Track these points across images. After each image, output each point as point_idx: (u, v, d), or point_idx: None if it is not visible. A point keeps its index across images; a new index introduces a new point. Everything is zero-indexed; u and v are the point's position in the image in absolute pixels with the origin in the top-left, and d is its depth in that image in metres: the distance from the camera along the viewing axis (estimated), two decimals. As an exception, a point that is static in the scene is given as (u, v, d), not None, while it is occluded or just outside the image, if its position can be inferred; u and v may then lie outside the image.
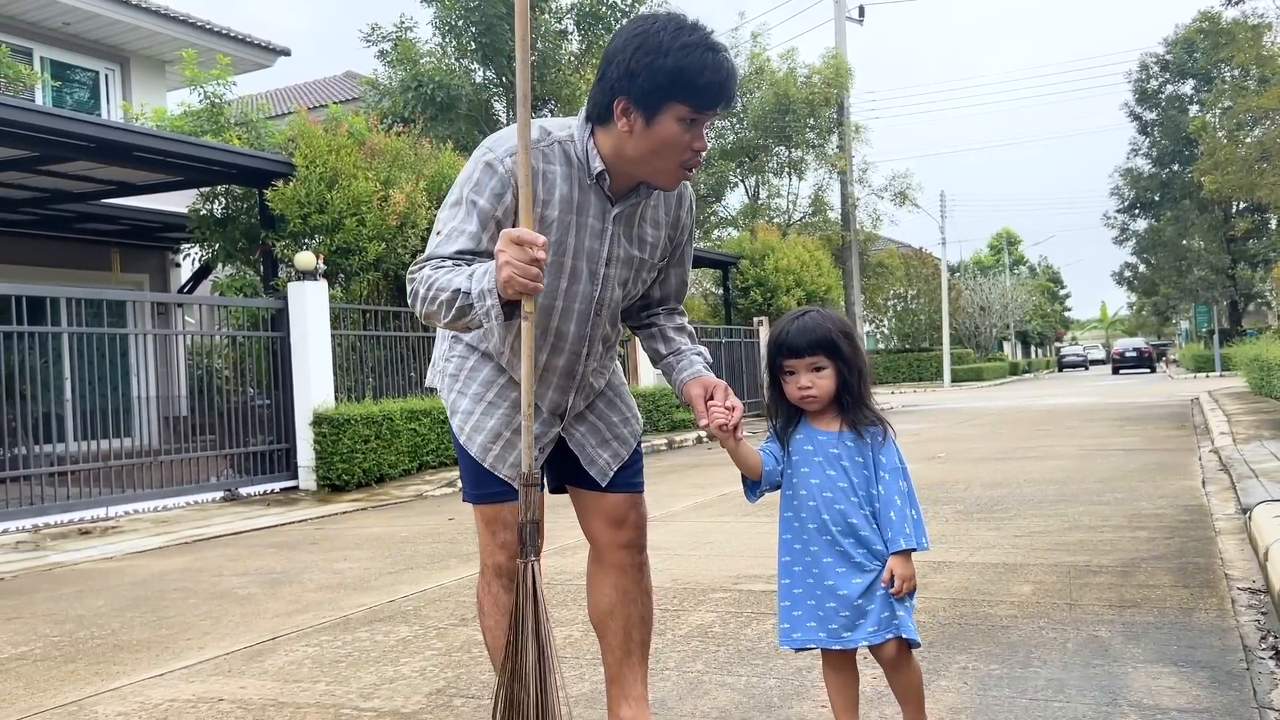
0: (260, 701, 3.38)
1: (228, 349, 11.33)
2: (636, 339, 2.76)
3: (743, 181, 28.14)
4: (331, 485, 10.64)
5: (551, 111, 19.30)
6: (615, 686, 2.65)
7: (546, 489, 2.52)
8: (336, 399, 11.33)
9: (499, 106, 19.46)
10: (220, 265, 13.86)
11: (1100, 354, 73.36)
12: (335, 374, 11.51)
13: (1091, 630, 3.71)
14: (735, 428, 2.34)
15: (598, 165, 2.30)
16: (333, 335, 11.50)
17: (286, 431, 11.00)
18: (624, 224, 2.41)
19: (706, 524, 6.75)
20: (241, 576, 5.91)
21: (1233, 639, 3.52)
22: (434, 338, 13.22)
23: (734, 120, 26.84)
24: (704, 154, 2.35)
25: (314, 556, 6.53)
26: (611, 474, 2.61)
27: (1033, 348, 74.87)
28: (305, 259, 11.15)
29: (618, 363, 2.74)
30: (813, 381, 2.36)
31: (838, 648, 2.35)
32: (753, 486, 2.49)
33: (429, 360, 13.07)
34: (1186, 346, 48.97)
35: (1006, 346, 61.21)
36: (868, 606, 2.32)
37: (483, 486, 2.48)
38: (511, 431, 2.46)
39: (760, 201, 28.07)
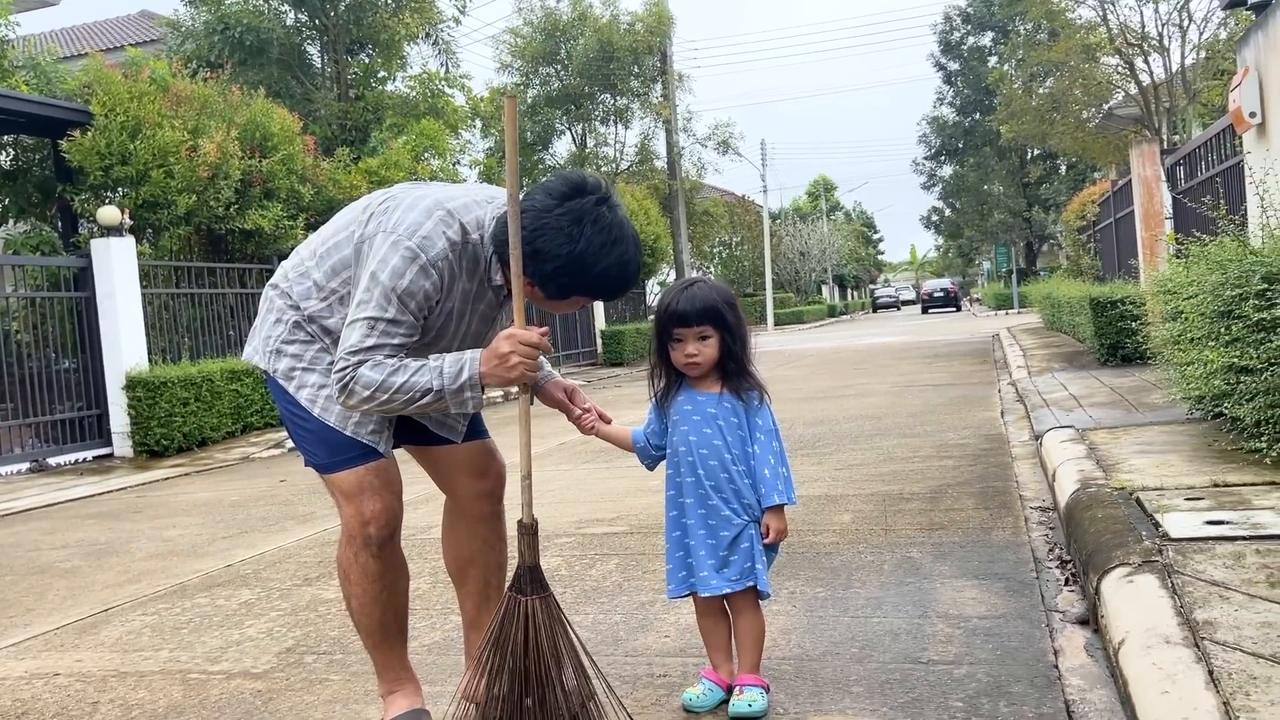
0: (100, 673, 3.30)
1: (25, 311, 10.59)
2: None
3: (569, 129, 28.05)
4: (150, 451, 10.19)
5: (369, 56, 18.66)
6: (475, 631, 2.74)
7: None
8: (151, 361, 10.81)
9: (313, 51, 18.66)
10: (11, 221, 12.89)
11: (911, 295, 77.25)
12: (148, 335, 10.96)
13: (905, 552, 4.04)
14: (593, 425, 2.64)
15: (498, 281, 2.44)
16: (143, 294, 10.93)
17: (97, 397, 10.44)
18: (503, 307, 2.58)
19: (547, 473, 6.88)
20: (62, 550, 5.65)
21: (1025, 553, 3.92)
22: (254, 295, 12.63)
23: (559, 67, 26.66)
24: None
25: (139, 525, 6.30)
26: (464, 429, 2.70)
27: (849, 290, 78.10)
28: (109, 214, 10.51)
29: None
30: (699, 349, 2.50)
31: (705, 594, 2.52)
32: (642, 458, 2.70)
33: (249, 318, 12.45)
34: (988, 286, 52.20)
35: (825, 290, 63.67)
36: (731, 557, 2.50)
37: (341, 453, 2.46)
38: None
39: (588, 150, 28.06)
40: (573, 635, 2.37)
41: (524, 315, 2.35)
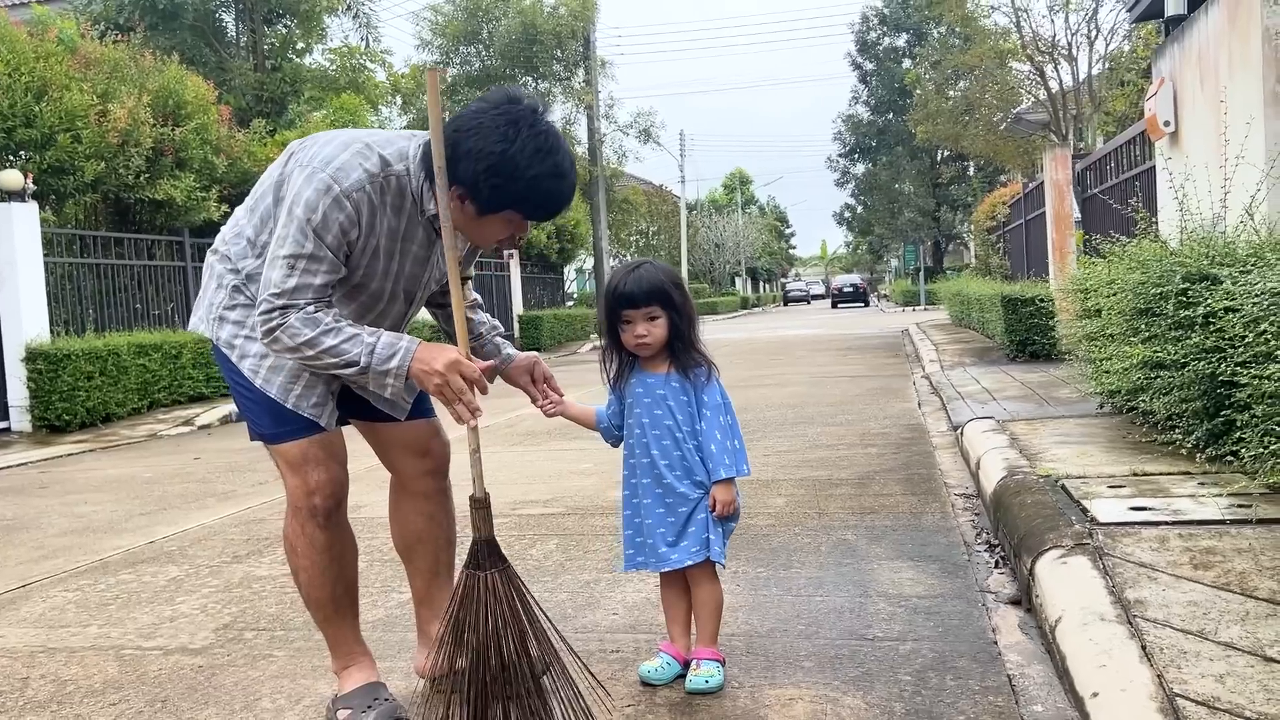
0: (27, 649, 3.18)
1: (-83, 277, 10.07)
2: None
3: (489, 111, 27.72)
4: (50, 426, 9.80)
5: (287, 26, 18.19)
6: (426, 608, 2.73)
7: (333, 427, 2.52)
8: (53, 332, 10.39)
9: (227, 18, 18.11)
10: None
11: (821, 289, 78.56)
12: (50, 305, 10.53)
13: (840, 535, 4.14)
14: (555, 409, 2.67)
15: (431, 209, 2.34)
16: (45, 263, 10.48)
17: (-6, 369, 9.98)
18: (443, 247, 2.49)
19: (473, 454, 6.83)
20: (-34, 525, 5.42)
21: (955, 537, 4.05)
22: (162, 267, 12.17)
23: (480, 47, 26.35)
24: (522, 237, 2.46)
25: (48, 501, 6.06)
26: (409, 406, 2.64)
27: (761, 283, 79.11)
28: (11, 178, 10.05)
29: None
30: (648, 330, 2.53)
31: (665, 569, 2.56)
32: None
33: (156, 289, 12.05)
34: (896, 282, 53.36)
35: (738, 282, 64.37)
36: (688, 530, 2.55)
37: (284, 424, 2.43)
38: (311, 373, 2.42)
39: (507, 133, 27.79)
40: (533, 604, 2.38)
41: (463, 331, 2.34)
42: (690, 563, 2.54)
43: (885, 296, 56.70)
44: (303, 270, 2.22)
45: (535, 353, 2.72)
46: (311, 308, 2.24)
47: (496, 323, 2.78)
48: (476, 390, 2.31)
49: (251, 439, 2.52)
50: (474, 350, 2.66)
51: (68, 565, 4.32)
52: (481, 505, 2.39)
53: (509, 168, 2.20)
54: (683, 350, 2.57)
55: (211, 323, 2.48)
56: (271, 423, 2.44)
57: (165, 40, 15.61)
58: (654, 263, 2.62)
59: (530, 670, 2.30)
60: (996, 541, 3.92)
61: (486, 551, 2.36)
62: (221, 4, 17.65)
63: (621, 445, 2.70)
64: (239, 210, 2.53)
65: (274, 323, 2.24)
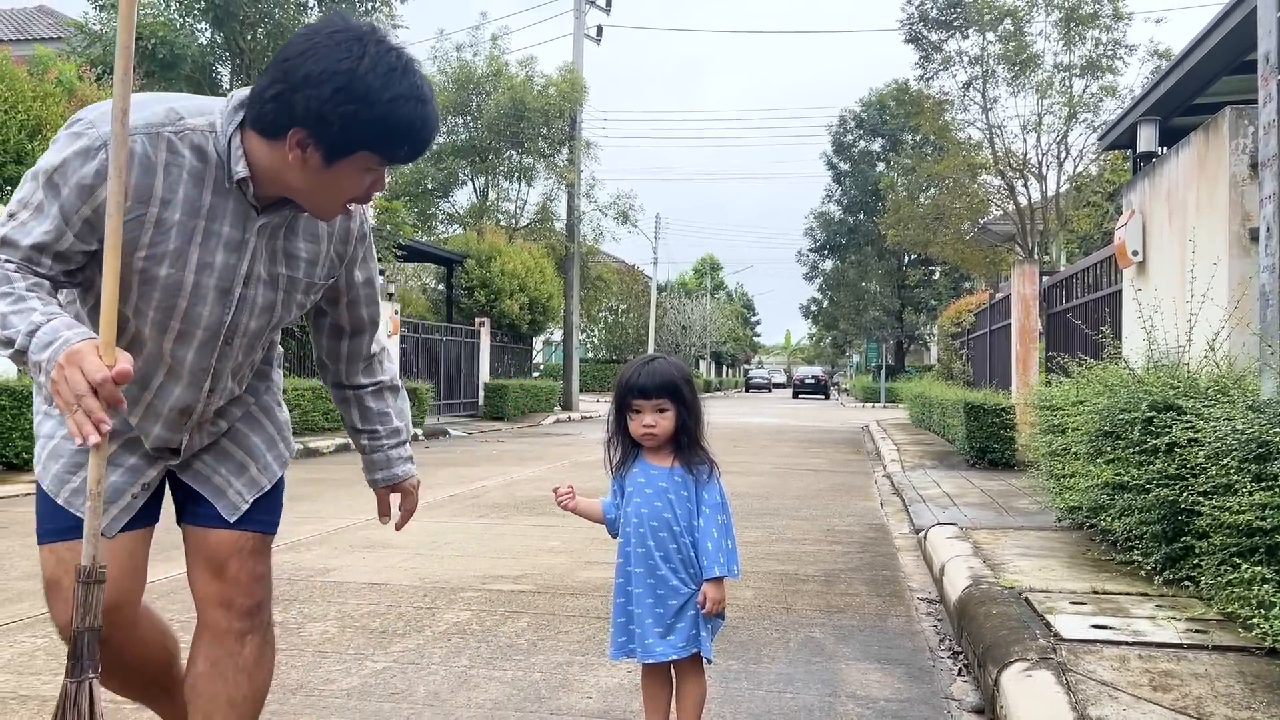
0: (-2, 696, 3.17)
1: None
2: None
3: (472, 180, 28.15)
4: (8, 464, 9.64)
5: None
6: None
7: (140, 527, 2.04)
8: (20, 372, 10.29)
9: (224, 71, 18.35)
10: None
11: (783, 378, 79.35)
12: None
13: (808, 632, 4.22)
14: (570, 505, 2.70)
15: (240, 170, 1.85)
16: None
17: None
18: (270, 236, 1.97)
19: (442, 524, 6.84)
20: (-76, 561, 5.33)
21: (920, 641, 4.14)
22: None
23: (469, 119, 26.80)
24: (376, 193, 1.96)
25: (8, 542, 5.99)
26: (246, 506, 2.11)
27: (725, 368, 79.73)
28: (-4, 211, 10.06)
29: (276, 378, 2.27)
30: (655, 421, 2.64)
31: (649, 660, 2.62)
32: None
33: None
34: (856, 377, 54.02)
35: (702, 365, 64.85)
36: (677, 624, 2.61)
37: (49, 521, 1.98)
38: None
39: (489, 202, 28.18)
40: None
41: (115, 321, 1.73)
42: (677, 656, 2.61)
43: (846, 391, 57.35)
44: (19, 223, 1.79)
45: (414, 486, 2.39)
46: (12, 266, 1.77)
47: (404, 428, 2.36)
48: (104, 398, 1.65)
49: None
50: (361, 446, 2.32)
51: (34, 610, 4.28)
52: (89, 579, 1.74)
53: (361, 88, 1.73)
54: (688, 445, 2.67)
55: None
56: (40, 517, 2.00)
57: (161, 88, 15.78)
58: (668, 358, 2.75)
59: None
60: (960, 649, 4.02)
61: (88, 645, 1.77)
62: (219, 58, 17.91)
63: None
64: None
65: None
